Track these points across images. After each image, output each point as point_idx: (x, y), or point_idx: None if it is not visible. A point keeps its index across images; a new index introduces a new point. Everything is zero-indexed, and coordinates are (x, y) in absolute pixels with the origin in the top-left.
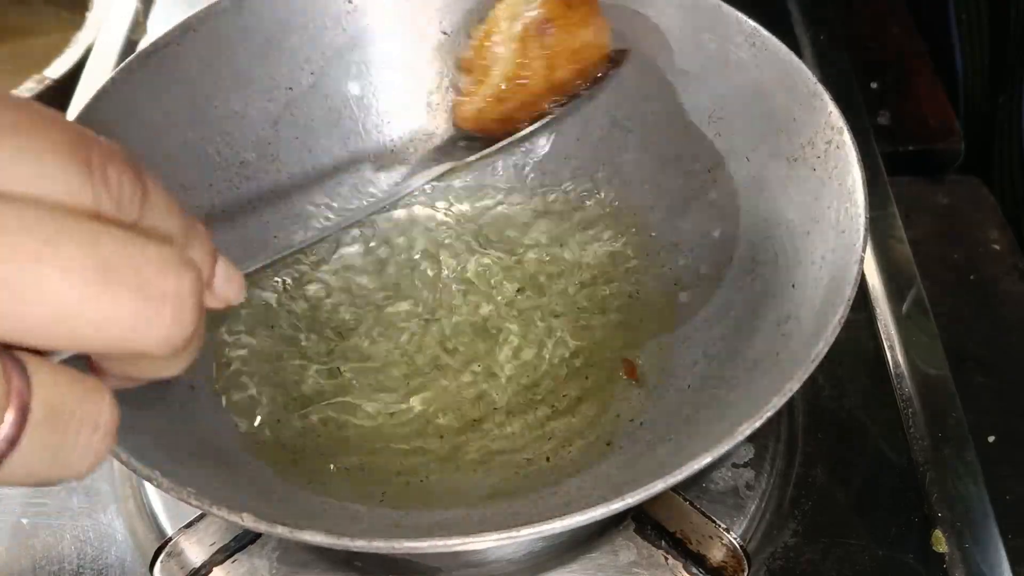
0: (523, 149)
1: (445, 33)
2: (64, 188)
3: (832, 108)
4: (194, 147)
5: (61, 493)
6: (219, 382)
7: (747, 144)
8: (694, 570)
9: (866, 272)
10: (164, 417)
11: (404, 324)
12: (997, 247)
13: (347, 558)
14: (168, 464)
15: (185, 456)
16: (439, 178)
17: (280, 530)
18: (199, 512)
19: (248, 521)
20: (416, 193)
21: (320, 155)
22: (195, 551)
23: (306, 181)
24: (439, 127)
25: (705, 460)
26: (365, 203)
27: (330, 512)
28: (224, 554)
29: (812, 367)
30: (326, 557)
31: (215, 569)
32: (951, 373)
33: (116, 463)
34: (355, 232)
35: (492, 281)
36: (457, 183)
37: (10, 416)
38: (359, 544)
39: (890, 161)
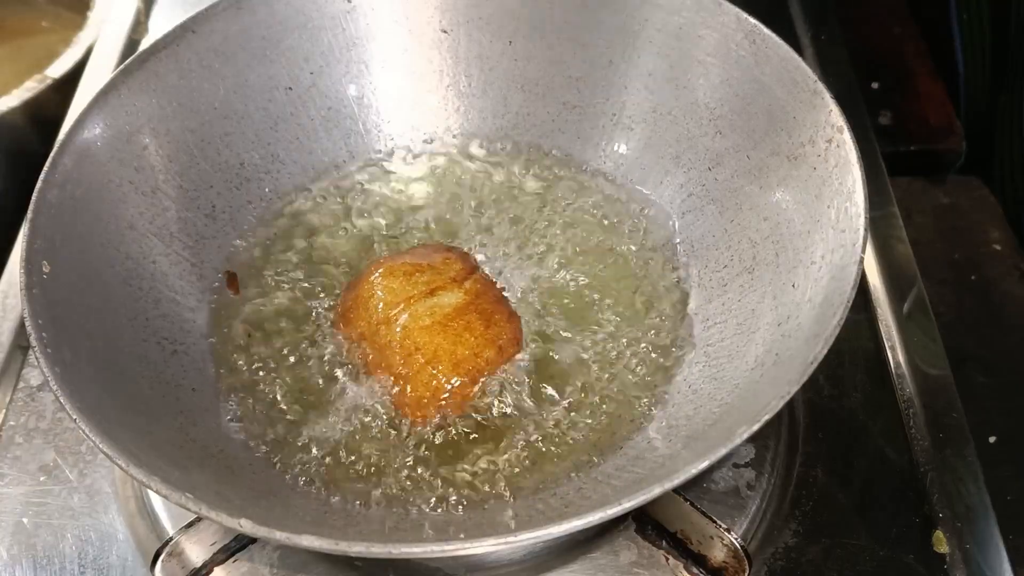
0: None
1: (444, 31)
2: None
3: (832, 106)
4: (194, 148)
5: (62, 493)
6: (222, 383)
7: (747, 142)
8: (695, 570)
9: (867, 272)
10: (165, 420)
11: None
12: (998, 247)
13: (347, 559)
14: (167, 468)
15: (184, 459)
16: None
17: (279, 536)
18: None
19: (247, 526)
20: None
21: (320, 155)
22: (196, 551)
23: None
24: (438, 126)
25: (703, 464)
26: None
27: (331, 515)
28: (225, 554)
29: (811, 369)
30: (326, 557)
31: (216, 569)
32: (951, 373)
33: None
34: None
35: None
36: None
37: None
38: (357, 549)
39: (891, 161)
